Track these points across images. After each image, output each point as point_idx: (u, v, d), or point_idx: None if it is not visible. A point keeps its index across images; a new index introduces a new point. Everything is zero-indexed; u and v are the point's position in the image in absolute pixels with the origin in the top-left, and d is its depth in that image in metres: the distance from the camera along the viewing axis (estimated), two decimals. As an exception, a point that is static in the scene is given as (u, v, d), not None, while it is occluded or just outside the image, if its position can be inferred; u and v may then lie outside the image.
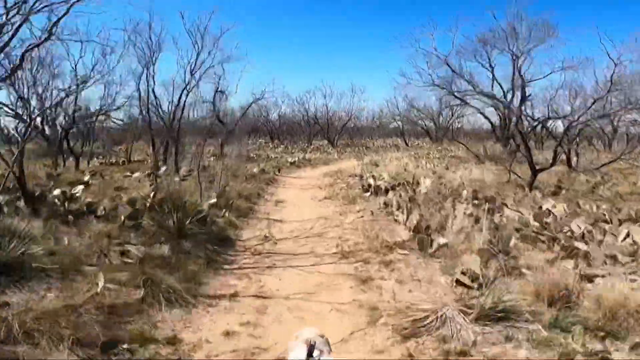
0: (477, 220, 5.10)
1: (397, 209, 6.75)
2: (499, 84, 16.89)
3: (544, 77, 11.89)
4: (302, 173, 13.86)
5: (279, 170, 12.89)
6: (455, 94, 17.48)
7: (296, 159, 15.87)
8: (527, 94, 10.49)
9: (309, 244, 5.31)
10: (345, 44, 67.43)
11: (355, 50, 67.28)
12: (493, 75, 16.64)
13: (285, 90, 39.86)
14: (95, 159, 15.32)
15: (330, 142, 28.20)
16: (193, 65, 11.82)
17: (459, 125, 36.06)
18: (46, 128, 17.40)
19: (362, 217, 6.91)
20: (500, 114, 17.19)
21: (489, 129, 31.92)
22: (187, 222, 4.91)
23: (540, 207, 6.77)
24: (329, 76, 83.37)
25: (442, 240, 4.23)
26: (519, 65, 10.87)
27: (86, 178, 9.94)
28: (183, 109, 11.06)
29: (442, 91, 18.12)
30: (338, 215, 7.20)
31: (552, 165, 9.19)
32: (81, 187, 7.53)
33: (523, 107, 10.49)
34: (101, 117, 18.16)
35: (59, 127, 15.34)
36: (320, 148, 24.19)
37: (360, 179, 10.45)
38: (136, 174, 11.04)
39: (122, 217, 5.26)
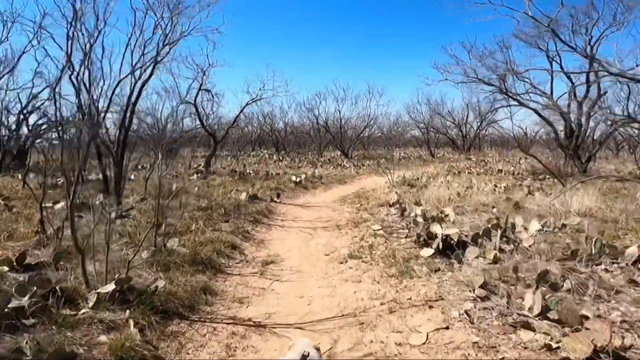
0: None
1: (531, 311, 2.87)
2: (569, 77, 13.08)
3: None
4: (310, 198, 10.02)
5: (277, 196, 9.09)
6: (509, 93, 13.69)
7: (303, 176, 12.02)
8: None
9: None
10: (362, 39, 61.86)
11: (374, 46, 61.84)
12: (559, 65, 12.84)
13: (289, 89, 33.35)
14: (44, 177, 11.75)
15: (343, 153, 24.23)
16: (159, 42, 8.26)
17: (485, 133, 31.88)
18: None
19: (446, 328, 3.06)
20: (567, 117, 13.11)
21: (517, 136, 27.84)
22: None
23: None
24: (342, 76, 77.29)
25: None
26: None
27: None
28: (133, 111, 7.42)
29: (486, 87, 14.46)
30: (387, 313, 3.35)
31: None
32: None
33: None
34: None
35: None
36: (333, 161, 20.25)
37: (401, 213, 6.55)
38: (60, 204, 7.39)
39: None
